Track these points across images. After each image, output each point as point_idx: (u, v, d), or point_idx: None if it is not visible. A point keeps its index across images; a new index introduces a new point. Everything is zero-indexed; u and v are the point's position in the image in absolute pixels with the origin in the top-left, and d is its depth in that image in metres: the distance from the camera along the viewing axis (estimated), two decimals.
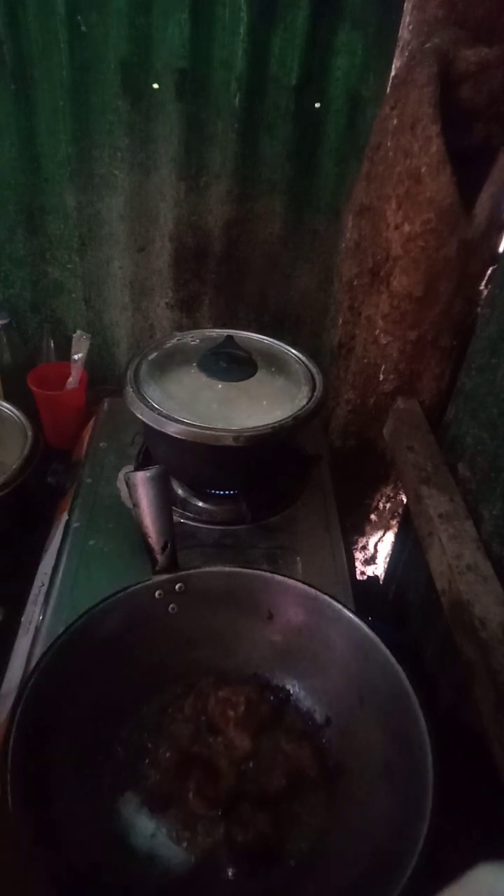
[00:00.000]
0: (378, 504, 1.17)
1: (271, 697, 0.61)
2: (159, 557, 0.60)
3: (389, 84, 0.90)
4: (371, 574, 1.25)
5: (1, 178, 1.02)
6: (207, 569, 0.62)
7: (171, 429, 0.75)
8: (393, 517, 1.19)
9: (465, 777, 0.56)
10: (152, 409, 0.76)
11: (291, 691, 0.62)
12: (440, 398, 0.97)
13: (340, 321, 1.03)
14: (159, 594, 0.60)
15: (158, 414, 0.76)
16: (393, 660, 0.54)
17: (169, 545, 0.60)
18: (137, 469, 0.62)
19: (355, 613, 0.58)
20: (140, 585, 0.59)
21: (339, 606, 0.59)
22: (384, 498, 1.16)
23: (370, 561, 1.25)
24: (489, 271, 0.87)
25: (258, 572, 0.63)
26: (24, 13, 0.88)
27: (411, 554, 1.01)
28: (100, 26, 0.89)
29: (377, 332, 0.94)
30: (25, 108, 0.96)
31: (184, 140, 0.97)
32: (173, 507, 0.82)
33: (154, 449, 0.90)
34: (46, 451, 0.95)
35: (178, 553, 0.61)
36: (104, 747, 0.57)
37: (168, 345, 0.90)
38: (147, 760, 0.57)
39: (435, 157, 0.77)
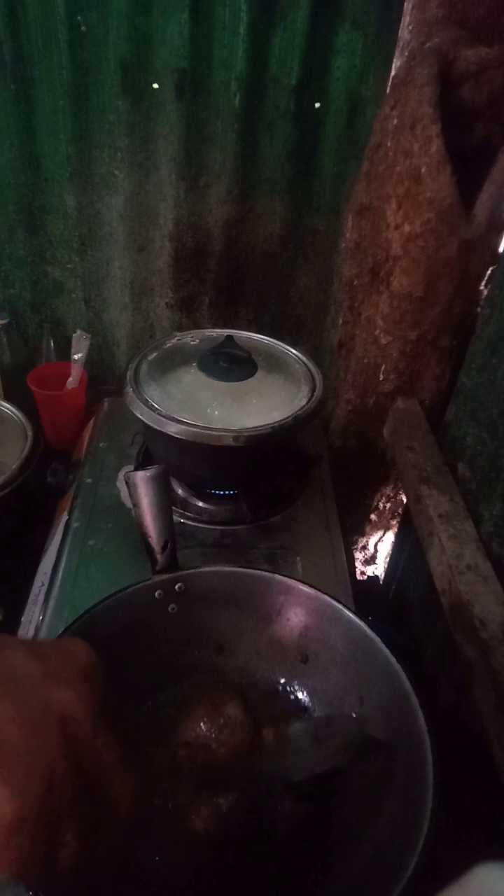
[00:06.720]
0: (378, 504, 1.17)
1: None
2: (159, 557, 0.60)
3: (389, 84, 0.90)
4: (371, 574, 1.25)
5: (1, 178, 1.02)
6: (207, 569, 0.62)
7: (171, 429, 0.75)
8: (393, 517, 1.19)
9: (465, 777, 0.56)
10: (152, 409, 0.76)
11: (291, 691, 0.62)
12: (440, 398, 0.97)
13: (340, 321, 1.03)
14: (159, 594, 0.60)
15: (158, 414, 0.76)
16: (393, 660, 0.53)
17: (169, 545, 0.60)
18: (137, 469, 0.62)
19: (355, 613, 0.58)
20: (140, 585, 0.59)
21: (339, 606, 0.59)
22: (384, 498, 1.16)
23: (370, 561, 1.25)
24: (489, 271, 0.87)
25: (258, 572, 0.63)
26: (24, 13, 0.88)
27: (411, 554, 1.01)
28: (100, 26, 0.89)
29: (377, 332, 0.94)
30: (25, 108, 0.96)
31: (184, 140, 0.97)
32: (173, 507, 0.82)
33: (154, 449, 0.90)
34: (46, 451, 0.95)
35: (178, 553, 0.61)
36: None
37: (168, 345, 0.89)
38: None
39: (435, 157, 0.77)
